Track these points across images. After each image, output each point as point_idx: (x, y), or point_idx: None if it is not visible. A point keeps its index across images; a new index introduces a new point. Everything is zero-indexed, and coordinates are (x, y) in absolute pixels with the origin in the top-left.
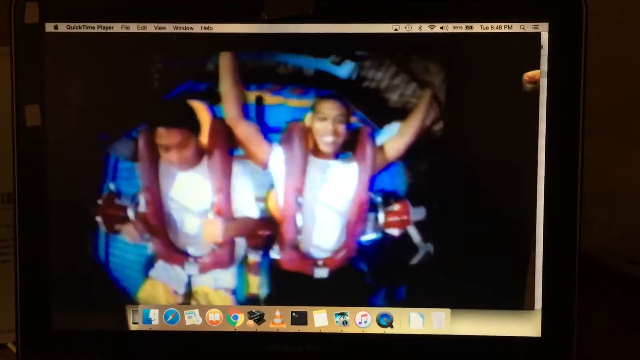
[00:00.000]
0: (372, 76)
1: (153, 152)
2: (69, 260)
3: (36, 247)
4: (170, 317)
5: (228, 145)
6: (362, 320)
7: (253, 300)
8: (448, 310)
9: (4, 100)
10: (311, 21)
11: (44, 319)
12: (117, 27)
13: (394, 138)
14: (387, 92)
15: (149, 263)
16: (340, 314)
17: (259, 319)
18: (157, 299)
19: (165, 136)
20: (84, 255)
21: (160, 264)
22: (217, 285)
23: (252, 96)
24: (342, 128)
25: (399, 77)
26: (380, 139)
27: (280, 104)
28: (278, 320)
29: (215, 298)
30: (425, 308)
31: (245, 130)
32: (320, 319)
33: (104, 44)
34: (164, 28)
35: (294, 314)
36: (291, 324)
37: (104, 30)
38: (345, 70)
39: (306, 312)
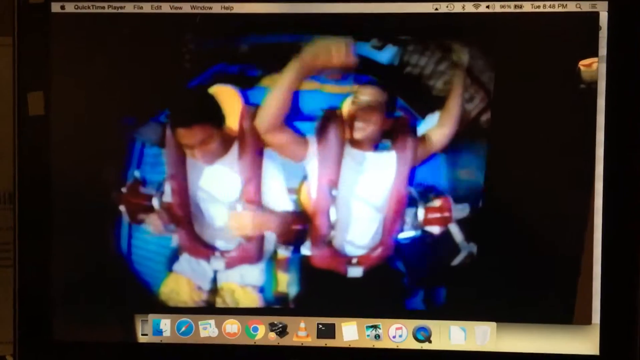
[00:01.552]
0: (415, 61)
1: (178, 142)
2: (75, 263)
3: (38, 249)
4: (183, 328)
5: (259, 136)
6: (397, 334)
7: (281, 299)
8: (493, 324)
9: (3, 93)
10: (344, 0)
11: (45, 329)
12: (129, 7)
13: (436, 128)
14: (431, 79)
15: (174, 256)
16: (372, 326)
17: (282, 332)
18: (181, 295)
19: (187, 136)
20: (97, 252)
21: (185, 258)
22: (244, 281)
23: None
24: (373, 115)
25: (444, 63)
26: (421, 129)
27: (316, 90)
28: (302, 332)
29: (242, 295)
30: (467, 321)
31: (278, 137)
32: (350, 332)
33: (115, 25)
34: (180, 8)
35: (320, 326)
36: (317, 337)
37: (114, 11)
38: (387, 55)
39: (334, 324)
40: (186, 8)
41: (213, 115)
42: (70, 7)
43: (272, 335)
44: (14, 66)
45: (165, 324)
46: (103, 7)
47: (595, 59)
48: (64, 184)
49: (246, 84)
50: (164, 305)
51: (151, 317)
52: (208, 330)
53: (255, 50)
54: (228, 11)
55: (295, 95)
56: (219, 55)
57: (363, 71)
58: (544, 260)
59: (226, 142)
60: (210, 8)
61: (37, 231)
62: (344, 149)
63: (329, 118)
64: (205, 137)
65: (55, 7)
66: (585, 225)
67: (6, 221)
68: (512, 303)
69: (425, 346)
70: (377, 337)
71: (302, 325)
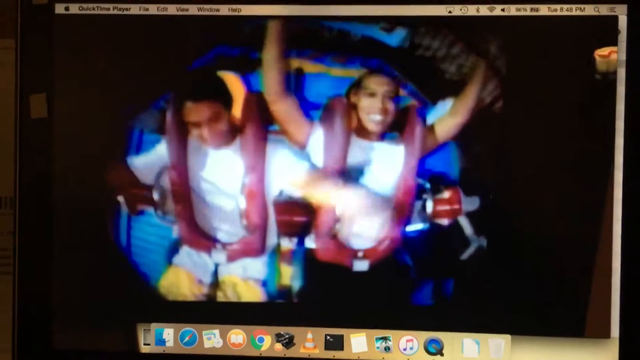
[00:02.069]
0: (427, 44)
1: (181, 127)
2: (76, 267)
3: (39, 255)
4: (186, 338)
5: (263, 121)
6: (408, 346)
7: (284, 293)
8: (508, 336)
9: (5, 97)
10: (357, 2)
11: (45, 338)
12: (135, 9)
13: (446, 117)
14: (443, 63)
15: (173, 248)
16: (381, 338)
17: (288, 343)
18: (181, 288)
19: (194, 111)
20: (97, 249)
21: (185, 250)
22: (246, 275)
23: (292, 65)
24: (391, 105)
25: (456, 48)
26: (431, 118)
27: (322, 74)
28: (310, 344)
29: (244, 289)
30: (481, 334)
31: (283, 106)
32: (359, 344)
33: (120, 26)
34: (187, 10)
35: (328, 338)
36: (325, 349)
37: (120, 12)
38: (396, 38)
39: (342, 336)
40: (193, 10)
41: (220, 92)
42: (74, 9)
43: (279, 346)
44: (16, 68)
45: (169, 333)
46: (108, 9)
47: (615, 63)
48: (66, 188)
49: (248, 67)
50: (164, 299)
51: (154, 326)
52: (212, 340)
53: (257, 32)
54: (236, 13)
55: (301, 79)
56: (220, 37)
57: (371, 54)
58: (559, 267)
59: (231, 129)
60: (218, 10)
61: (37, 236)
62: (350, 138)
63: (335, 106)
64: (213, 114)
65: (59, 9)
66: (603, 233)
67: (6, 226)
68: (522, 304)
69: (437, 359)
70: (387, 349)
71: (310, 336)
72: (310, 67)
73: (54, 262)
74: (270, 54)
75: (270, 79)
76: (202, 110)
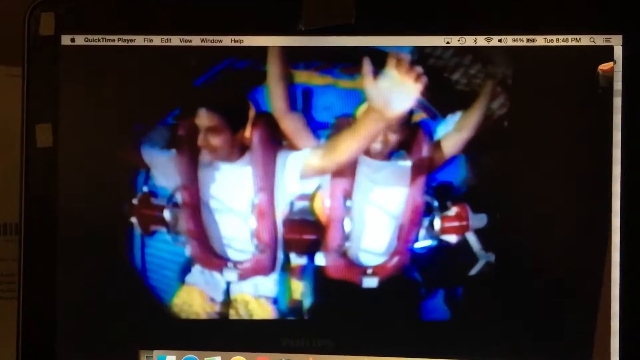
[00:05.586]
0: (438, 54)
1: (191, 144)
2: (81, 295)
3: (43, 282)
4: None
5: (272, 138)
6: None
7: (295, 310)
8: None
9: (12, 123)
10: (354, 33)
11: None
12: (140, 40)
13: (453, 132)
14: (455, 74)
15: (186, 267)
16: None
17: None
18: (193, 307)
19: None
20: (107, 270)
21: (197, 269)
22: (257, 293)
23: (300, 78)
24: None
25: (466, 59)
26: (438, 133)
27: (330, 86)
28: None
29: (256, 307)
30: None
31: (291, 123)
32: None
33: (125, 57)
34: (190, 41)
35: None
36: None
37: (124, 44)
38: (405, 49)
39: None
40: (196, 41)
41: (227, 115)
42: (80, 40)
43: None
44: (23, 98)
45: None
46: (113, 40)
47: (610, 93)
48: (71, 214)
49: (255, 81)
50: (174, 322)
51: (156, 353)
52: None
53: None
54: (238, 44)
55: (309, 91)
56: (227, 50)
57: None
58: (561, 287)
59: (240, 147)
60: (221, 41)
61: (42, 263)
62: (357, 157)
63: (342, 126)
64: (221, 129)
65: (65, 40)
66: (601, 257)
67: (11, 252)
68: (527, 327)
69: None
70: None
71: None
72: (318, 79)
73: (58, 289)
74: (276, 67)
75: (277, 94)
76: (209, 132)
